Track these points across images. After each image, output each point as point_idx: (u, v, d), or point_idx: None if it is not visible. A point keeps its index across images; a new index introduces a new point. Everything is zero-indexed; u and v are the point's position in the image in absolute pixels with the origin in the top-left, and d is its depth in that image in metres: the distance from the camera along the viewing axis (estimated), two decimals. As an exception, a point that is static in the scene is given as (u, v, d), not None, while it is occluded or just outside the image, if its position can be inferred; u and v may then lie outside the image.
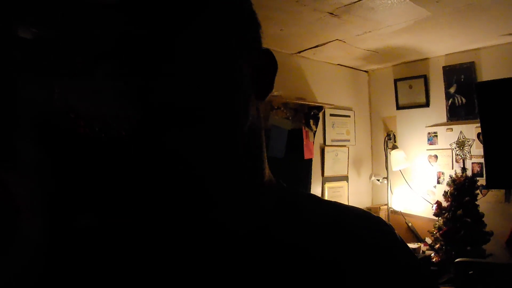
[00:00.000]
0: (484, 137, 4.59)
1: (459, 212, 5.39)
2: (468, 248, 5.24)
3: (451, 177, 5.77)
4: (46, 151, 2.74)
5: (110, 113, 2.71)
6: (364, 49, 6.28)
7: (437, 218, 5.78)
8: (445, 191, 5.76)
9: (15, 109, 2.67)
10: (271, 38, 5.64)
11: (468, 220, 5.35)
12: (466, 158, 6.20)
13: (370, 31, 5.37)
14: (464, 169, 5.99)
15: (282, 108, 5.85)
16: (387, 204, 6.88)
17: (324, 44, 5.94)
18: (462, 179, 5.57)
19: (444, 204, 5.71)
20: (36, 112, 2.69)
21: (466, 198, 5.43)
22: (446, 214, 5.60)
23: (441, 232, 5.54)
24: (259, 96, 0.95)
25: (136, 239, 0.90)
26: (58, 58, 2.67)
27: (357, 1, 4.32)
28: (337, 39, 5.73)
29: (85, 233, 0.98)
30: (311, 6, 4.46)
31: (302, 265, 0.85)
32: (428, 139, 6.70)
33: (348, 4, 4.40)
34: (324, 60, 6.92)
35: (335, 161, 6.95)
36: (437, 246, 5.58)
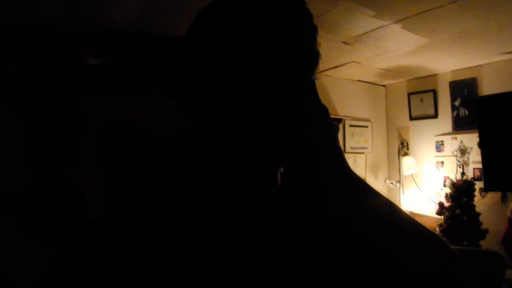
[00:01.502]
0: (482, 145, 4.62)
1: (457, 211, 5.89)
2: (465, 243, 5.71)
3: (451, 180, 6.33)
4: (109, 157, 3.80)
5: (162, 125, 3.82)
6: (378, 68, 6.83)
7: (439, 217, 6.27)
8: (446, 193, 6.30)
9: (83, 122, 3.78)
10: None
11: (465, 218, 5.84)
12: (465, 164, 6.69)
13: (380, 55, 5.95)
14: (463, 173, 6.49)
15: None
16: (399, 205, 7.27)
17: (342, 65, 6.52)
18: (461, 182, 6.11)
19: (446, 204, 6.24)
20: (101, 124, 3.77)
21: (464, 199, 5.94)
22: (446, 213, 6.10)
23: (441, 228, 6.03)
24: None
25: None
26: (120, 80, 3.78)
27: (365, 33, 4.97)
28: (353, 61, 6.32)
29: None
30: (327, 37, 5.08)
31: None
32: (436, 147, 7.19)
33: (357, 35, 5.04)
34: (344, 77, 7.46)
35: (354, 166, 7.26)
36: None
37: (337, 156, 0.98)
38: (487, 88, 6.53)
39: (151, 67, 4.87)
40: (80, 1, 3.99)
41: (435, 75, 7.32)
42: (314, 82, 1.03)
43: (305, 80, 0.99)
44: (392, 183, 7.80)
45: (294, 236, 0.91)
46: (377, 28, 4.83)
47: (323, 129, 0.97)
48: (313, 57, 1.01)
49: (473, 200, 6.07)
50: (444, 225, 6.06)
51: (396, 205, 1.02)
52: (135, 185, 4.52)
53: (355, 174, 0.99)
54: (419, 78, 7.59)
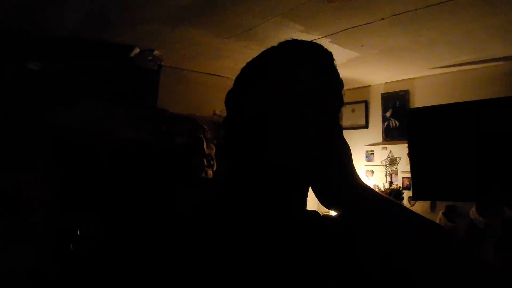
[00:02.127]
0: (411, 156, 4.82)
1: None
2: None
3: (380, 189, 6.45)
4: (58, 160, 3.75)
5: (111, 130, 3.79)
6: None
7: None
8: None
9: (34, 126, 3.72)
10: (229, 71, 6.27)
11: None
12: (394, 173, 6.80)
13: None
14: (391, 182, 6.63)
15: (223, 126, 6.49)
16: (328, 212, 7.37)
17: None
18: (388, 191, 6.24)
19: None
20: (51, 128, 3.73)
21: None
22: None
23: None
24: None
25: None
26: (63, 87, 3.72)
27: (295, 47, 4.95)
28: None
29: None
30: (257, 50, 4.59)
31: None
32: (366, 156, 7.29)
33: None
34: None
35: None
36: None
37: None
38: (419, 100, 6.70)
39: (90, 73, 4.85)
40: (23, 6, 3.94)
41: (367, 86, 7.44)
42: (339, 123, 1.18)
43: (335, 119, 1.14)
44: None
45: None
46: (307, 42, 4.81)
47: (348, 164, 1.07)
48: (342, 101, 1.19)
49: (401, 210, 6.07)
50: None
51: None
52: (84, 187, 4.57)
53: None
54: (351, 89, 7.60)
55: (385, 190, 6.31)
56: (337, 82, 1.20)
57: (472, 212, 2.97)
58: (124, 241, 1.19)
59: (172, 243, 1.12)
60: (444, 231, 1.09)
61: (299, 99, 1.08)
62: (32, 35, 4.54)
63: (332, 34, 4.60)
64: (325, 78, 1.14)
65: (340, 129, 1.14)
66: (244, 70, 1.25)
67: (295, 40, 1.24)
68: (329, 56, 1.21)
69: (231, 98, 1.25)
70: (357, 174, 1.08)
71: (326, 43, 4.85)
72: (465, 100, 1.91)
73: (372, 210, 1.02)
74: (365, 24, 4.25)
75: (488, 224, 2.81)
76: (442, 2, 3.73)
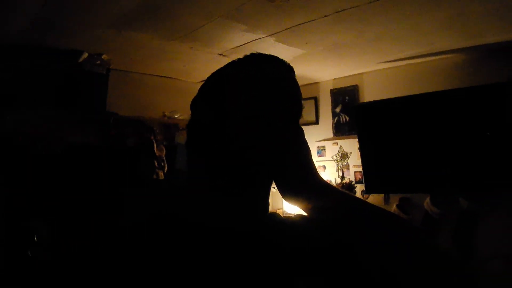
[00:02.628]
0: (361, 150, 4.82)
1: None
2: None
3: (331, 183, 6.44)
4: (5, 167, 3.71)
5: (50, 136, 3.78)
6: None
7: None
8: None
9: None
10: (177, 72, 6.30)
11: None
12: (345, 167, 6.85)
13: None
14: (343, 177, 6.68)
15: (186, 129, 6.49)
16: (281, 208, 7.40)
17: None
18: (340, 185, 6.31)
19: None
20: None
21: None
22: None
23: None
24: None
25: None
26: (9, 93, 3.69)
27: (240, 46, 4.99)
28: None
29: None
30: (203, 50, 5.15)
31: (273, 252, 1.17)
32: (318, 152, 7.32)
33: (233, 48, 5.07)
34: None
35: None
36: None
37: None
38: (368, 95, 6.75)
39: (37, 79, 4.81)
40: None
41: (316, 83, 7.48)
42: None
43: (294, 121, 1.28)
44: (274, 188, 7.70)
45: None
46: (252, 41, 4.85)
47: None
48: (301, 105, 1.32)
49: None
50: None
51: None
52: (35, 194, 4.62)
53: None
54: (301, 86, 7.36)
55: (337, 184, 6.35)
56: (296, 90, 1.34)
57: (426, 203, 2.97)
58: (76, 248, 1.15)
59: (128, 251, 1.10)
60: (403, 221, 1.22)
61: (258, 104, 1.19)
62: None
63: (276, 33, 4.59)
64: (283, 86, 1.28)
65: (299, 130, 1.25)
66: (208, 78, 1.33)
67: (259, 54, 1.31)
68: (288, 68, 1.36)
69: (195, 104, 1.32)
70: (316, 171, 1.20)
71: (271, 42, 4.88)
72: (413, 93, 1.93)
73: (332, 203, 1.11)
74: (308, 21, 4.24)
75: (442, 215, 2.81)
76: (384, -3, 3.76)
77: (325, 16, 4.12)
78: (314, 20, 4.22)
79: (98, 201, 5.16)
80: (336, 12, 4.05)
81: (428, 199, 2.78)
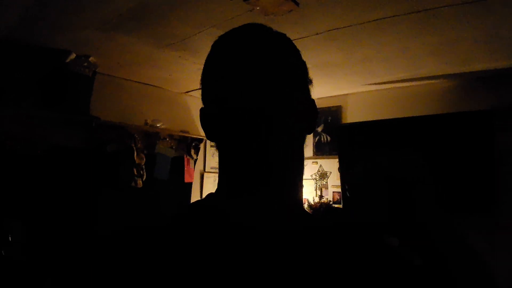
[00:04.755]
0: (341, 170, 4.84)
1: None
2: None
3: (308, 202, 6.49)
4: None
5: (32, 135, 3.71)
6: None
7: None
8: None
9: None
10: (163, 81, 6.26)
11: None
12: (324, 187, 6.84)
13: None
14: (321, 196, 6.66)
15: (167, 139, 6.50)
16: None
17: None
18: (318, 204, 6.30)
19: None
20: None
21: None
22: None
23: None
24: (309, 131, 1.22)
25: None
26: None
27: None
28: None
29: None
30: (191, 60, 5.11)
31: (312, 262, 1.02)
32: None
33: None
34: None
35: (214, 185, 7.22)
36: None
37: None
38: (352, 116, 6.72)
39: (23, 77, 4.79)
40: None
41: (299, 101, 7.33)
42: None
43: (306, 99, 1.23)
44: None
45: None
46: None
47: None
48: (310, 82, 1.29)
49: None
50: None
51: None
52: (7, 194, 4.63)
53: None
54: None
55: (315, 203, 6.31)
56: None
57: None
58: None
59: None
60: None
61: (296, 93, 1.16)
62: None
63: (265, 47, 4.52)
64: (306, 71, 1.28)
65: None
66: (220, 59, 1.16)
67: (265, 27, 1.21)
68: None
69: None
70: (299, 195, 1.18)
71: (260, 56, 4.81)
72: (397, 117, 1.94)
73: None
74: (299, 38, 4.22)
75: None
76: (378, 19, 3.75)
77: (317, 33, 4.12)
78: (306, 37, 4.21)
79: (75, 205, 5.13)
80: (328, 31, 4.06)
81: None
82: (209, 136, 1.17)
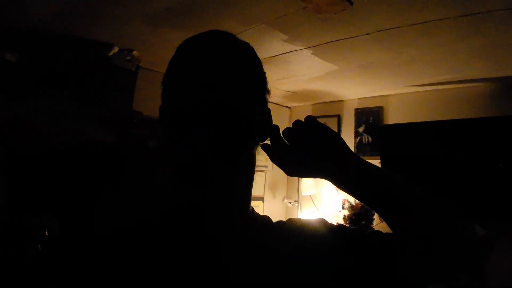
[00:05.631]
0: None
1: None
2: None
3: (350, 203, 6.43)
4: (11, 157, 3.67)
5: (69, 130, 3.73)
6: (284, 90, 6.83)
7: None
8: (344, 215, 6.41)
9: None
10: None
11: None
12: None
13: (288, 77, 5.96)
14: (362, 198, 6.57)
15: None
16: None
17: None
18: (359, 206, 6.20)
19: None
20: (5, 123, 3.64)
21: (362, 222, 6.03)
22: None
23: None
24: (261, 139, 1.29)
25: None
26: (31, 81, 3.64)
27: (275, 56, 4.96)
28: None
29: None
30: None
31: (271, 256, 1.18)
32: None
33: (267, 58, 5.01)
34: None
35: (257, 185, 7.35)
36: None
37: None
38: (393, 117, 6.67)
39: (62, 69, 4.78)
40: None
41: (341, 101, 7.41)
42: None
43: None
44: (290, 202, 7.86)
45: None
46: (288, 52, 4.83)
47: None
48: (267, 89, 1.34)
49: (372, 224, 6.13)
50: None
51: None
52: (38, 189, 4.48)
53: None
54: (325, 103, 7.61)
55: (356, 204, 6.27)
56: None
57: None
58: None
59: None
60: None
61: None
62: (9, 25, 4.42)
63: (315, 46, 4.57)
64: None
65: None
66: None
67: (230, 35, 1.32)
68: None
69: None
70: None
71: (307, 55, 4.87)
72: (439, 119, 1.94)
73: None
74: (349, 38, 4.24)
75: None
76: (427, 22, 3.74)
77: (367, 34, 4.12)
78: (356, 37, 4.21)
79: (112, 202, 5.09)
80: (378, 31, 4.06)
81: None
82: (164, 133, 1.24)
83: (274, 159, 1.28)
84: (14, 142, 4.50)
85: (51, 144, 4.72)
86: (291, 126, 1.27)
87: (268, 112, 1.33)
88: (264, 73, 1.34)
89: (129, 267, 1.08)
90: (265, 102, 1.33)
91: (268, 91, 1.34)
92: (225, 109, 1.12)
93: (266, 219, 1.41)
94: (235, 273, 1.13)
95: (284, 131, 1.29)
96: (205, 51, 1.20)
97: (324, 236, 1.29)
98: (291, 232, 1.33)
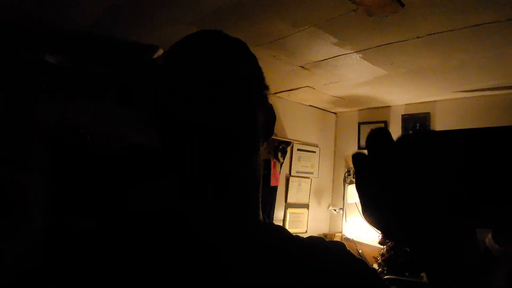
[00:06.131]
0: None
1: None
2: (407, 274, 5.70)
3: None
4: (55, 158, 3.70)
5: (113, 133, 3.73)
6: (331, 95, 6.83)
7: (382, 246, 6.30)
8: None
9: (32, 120, 3.67)
10: None
11: (407, 249, 5.71)
12: (409, 196, 6.66)
13: (335, 82, 5.93)
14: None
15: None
16: (341, 232, 7.48)
17: (296, 88, 6.48)
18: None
19: None
20: (51, 126, 3.67)
21: None
22: (389, 243, 6.13)
23: (383, 258, 6.04)
24: (265, 138, 1.20)
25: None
26: (74, 83, 3.68)
27: (324, 60, 4.93)
28: (307, 86, 6.29)
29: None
30: (285, 60, 5.06)
31: None
32: None
33: (316, 61, 5.00)
34: (297, 101, 7.46)
35: (298, 190, 7.52)
36: (379, 270, 5.97)
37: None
38: (440, 123, 6.60)
39: (105, 72, 4.84)
40: (42, 1, 3.85)
41: (388, 107, 7.38)
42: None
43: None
44: (335, 210, 7.83)
45: None
46: (336, 56, 4.80)
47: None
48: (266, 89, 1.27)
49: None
50: (386, 255, 6.06)
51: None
52: (81, 192, 4.52)
53: None
54: (371, 108, 7.58)
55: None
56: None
57: (488, 238, 2.91)
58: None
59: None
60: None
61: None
62: (52, 27, 4.45)
63: (364, 49, 4.54)
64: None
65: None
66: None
67: (222, 34, 1.27)
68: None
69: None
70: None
71: (356, 59, 4.85)
72: (486, 126, 1.90)
73: None
74: (399, 41, 4.21)
75: (504, 252, 2.74)
76: (478, 25, 3.70)
77: (418, 37, 4.08)
78: (406, 40, 4.18)
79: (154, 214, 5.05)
80: (429, 35, 4.01)
81: (489, 235, 2.69)
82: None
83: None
84: (58, 143, 4.53)
85: (95, 147, 4.74)
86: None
87: (270, 108, 1.28)
88: (261, 68, 1.28)
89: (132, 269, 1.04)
90: (265, 98, 1.26)
91: (267, 87, 1.28)
92: (228, 106, 1.05)
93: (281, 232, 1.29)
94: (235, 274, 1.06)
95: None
96: (201, 49, 1.16)
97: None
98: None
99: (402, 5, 3.43)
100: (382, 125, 7.30)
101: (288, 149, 7.20)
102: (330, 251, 1.22)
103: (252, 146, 1.13)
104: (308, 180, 7.70)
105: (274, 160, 6.92)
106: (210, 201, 1.10)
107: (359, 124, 7.80)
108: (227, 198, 1.11)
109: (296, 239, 1.24)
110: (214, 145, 1.01)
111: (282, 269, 1.08)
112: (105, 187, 4.70)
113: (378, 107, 7.49)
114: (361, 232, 7.34)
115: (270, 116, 1.26)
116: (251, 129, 1.11)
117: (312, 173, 7.72)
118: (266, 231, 1.23)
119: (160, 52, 4.98)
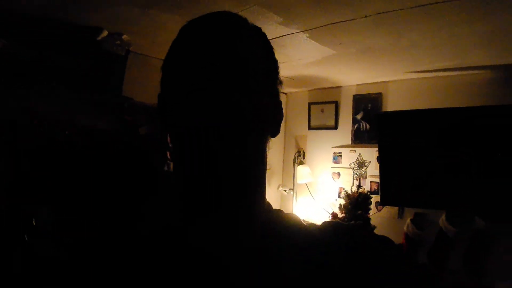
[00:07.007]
0: (380, 160, 4.69)
1: (351, 223, 5.71)
2: None
3: (346, 192, 6.31)
4: (10, 146, 3.50)
5: (61, 116, 3.54)
6: (280, 76, 6.61)
7: None
8: (340, 204, 6.28)
9: None
10: None
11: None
12: (362, 177, 6.73)
13: (284, 62, 5.76)
14: (359, 186, 6.48)
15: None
16: (291, 212, 7.35)
17: None
18: (356, 194, 6.11)
19: (340, 215, 6.21)
20: (9, 111, 3.47)
21: (359, 212, 5.93)
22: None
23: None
24: (272, 135, 1.22)
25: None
26: (20, 67, 3.46)
27: (271, 39, 4.71)
28: None
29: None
30: None
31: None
32: (333, 158, 7.17)
33: None
34: None
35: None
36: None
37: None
38: (392, 104, 6.60)
39: (52, 55, 4.64)
40: None
41: (339, 87, 7.34)
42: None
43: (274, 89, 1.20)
44: (285, 190, 7.83)
45: None
46: (283, 36, 4.69)
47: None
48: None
49: (369, 213, 6.08)
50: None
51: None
52: (38, 179, 4.37)
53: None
54: (322, 89, 7.54)
55: (353, 193, 6.17)
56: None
57: (442, 220, 2.89)
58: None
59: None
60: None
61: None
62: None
63: (311, 29, 4.41)
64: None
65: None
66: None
67: (240, 18, 1.18)
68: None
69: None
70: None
71: (303, 38, 4.73)
72: (439, 107, 1.82)
73: None
74: (347, 20, 4.08)
75: (457, 233, 2.72)
76: (429, 4, 3.58)
77: (365, 16, 3.96)
78: (353, 19, 4.05)
79: (113, 196, 4.99)
80: (377, 14, 3.89)
81: (443, 216, 2.68)
82: (164, 126, 1.17)
83: None
84: (18, 133, 4.40)
85: (54, 135, 4.62)
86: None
87: (279, 105, 1.24)
88: (277, 61, 1.26)
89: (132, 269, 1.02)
90: (277, 96, 1.23)
91: (281, 82, 1.24)
92: (235, 103, 1.00)
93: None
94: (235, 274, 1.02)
95: None
96: (214, 34, 1.07)
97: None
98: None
99: (348, -18, 3.32)
100: (333, 105, 7.34)
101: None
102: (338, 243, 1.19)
103: (257, 143, 1.13)
104: (257, 161, 7.57)
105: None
106: (211, 205, 1.07)
107: (309, 104, 7.75)
108: (228, 198, 1.07)
109: (302, 231, 1.22)
110: (217, 145, 0.99)
111: (282, 269, 1.05)
112: (61, 174, 4.55)
113: (329, 88, 7.44)
114: (312, 213, 7.32)
115: (278, 115, 1.25)
116: (257, 127, 1.08)
117: (260, 152, 7.68)
118: (268, 231, 1.16)
119: (105, 33, 4.83)
